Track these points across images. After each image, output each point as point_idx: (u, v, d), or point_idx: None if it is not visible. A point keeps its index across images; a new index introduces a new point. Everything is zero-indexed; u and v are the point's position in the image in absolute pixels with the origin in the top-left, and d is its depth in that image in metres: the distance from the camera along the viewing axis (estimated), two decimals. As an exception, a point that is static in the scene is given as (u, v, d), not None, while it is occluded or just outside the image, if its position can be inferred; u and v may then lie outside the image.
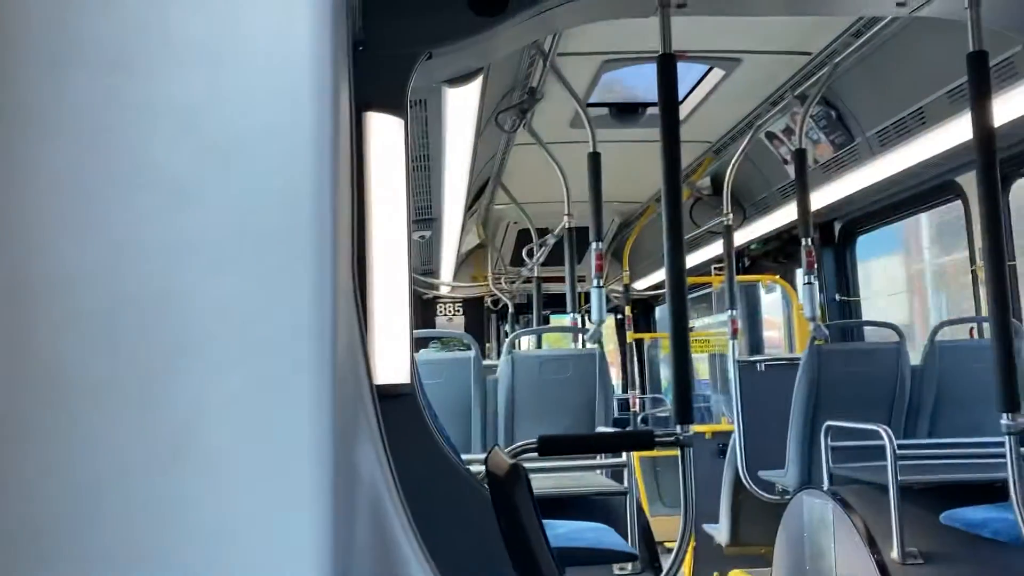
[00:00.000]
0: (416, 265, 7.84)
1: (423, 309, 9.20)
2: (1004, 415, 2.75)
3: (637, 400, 8.08)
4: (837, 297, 5.96)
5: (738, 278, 5.88)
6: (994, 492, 3.44)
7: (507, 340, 4.67)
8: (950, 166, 4.44)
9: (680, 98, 4.71)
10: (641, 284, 8.72)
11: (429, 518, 1.17)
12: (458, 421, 4.28)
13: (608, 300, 7.00)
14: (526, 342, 8.54)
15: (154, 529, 0.73)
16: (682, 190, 2.95)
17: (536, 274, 7.47)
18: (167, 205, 0.75)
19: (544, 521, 1.50)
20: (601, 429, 4.25)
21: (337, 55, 0.82)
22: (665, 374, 9.62)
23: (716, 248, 6.47)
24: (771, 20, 3.89)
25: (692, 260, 7.07)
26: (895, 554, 3.50)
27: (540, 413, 4.28)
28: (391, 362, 1.83)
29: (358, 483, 0.91)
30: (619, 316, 9.36)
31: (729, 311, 5.36)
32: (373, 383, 1.10)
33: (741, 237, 6.34)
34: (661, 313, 9.46)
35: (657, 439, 2.58)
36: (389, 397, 1.83)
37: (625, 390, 8.87)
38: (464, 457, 2.29)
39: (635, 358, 9.13)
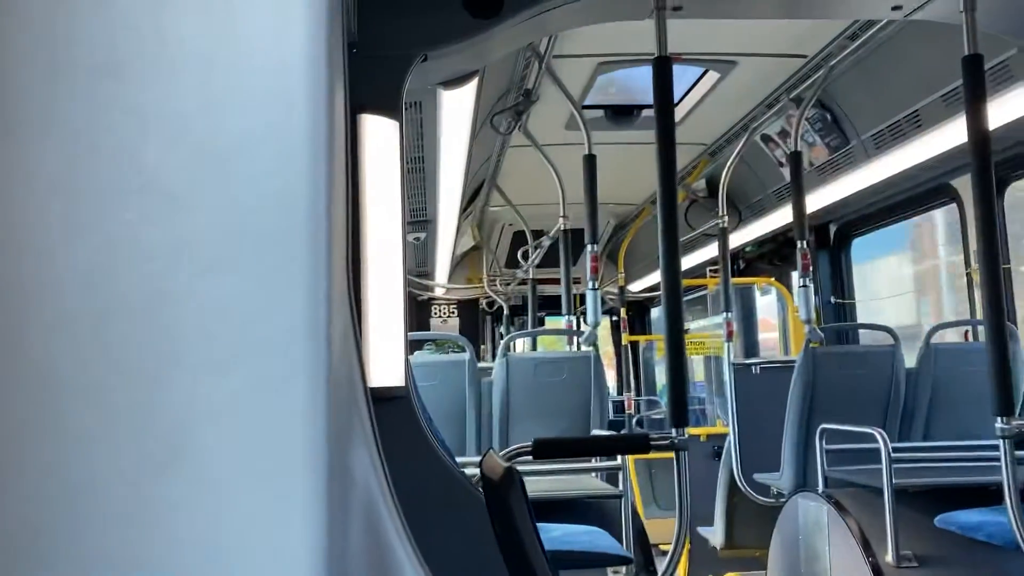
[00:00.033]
0: (411, 267, 7.84)
1: (418, 311, 9.20)
2: (998, 418, 2.76)
3: (632, 402, 8.07)
4: (832, 300, 5.96)
5: (733, 280, 5.89)
6: (989, 495, 3.44)
7: (502, 342, 4.67)
8: (945, 169, 4.46)
9: (676, 100, 4.71)
10: (637, 286, 8.72)
11: (423, 521, 1.16)
12: (453, 424, 4.28)
13: (603, 302, 6.99)
14: (521, 344, 8.54)
15: (147, 532, 0.72)
16: (678, 192, 2.95)
17: (531, 276, 7.47)
18: (161, 207, 0.75)
19: (539, 524, 1.50)
20: (596, 432, 4.25)
21: (332, 57, 0.82)
22: (660, 376, 9.63)
23: (712, 250, 6.48)
24: (766, 23, 3.89)
25: (688, 262, 7.07)
26: (890, 557, 3.50)
27: (535, 416, 4.28)
28: (386, 364, 1.83)
29: (352, 487, 0.91)
30: (614, 318, 9.35)
31: (724, 313, 5.36)
32: (367, 386, 1.09)
33: (736, 239, 6.35)
34: (656, 315, 9.46)
35: (652, 443, 2.58)
36: (383, 400, 1.83)
37: (620, 392, 8.86)
38: (459, 460, 2.29)
39: (630, 360, 9.13)
